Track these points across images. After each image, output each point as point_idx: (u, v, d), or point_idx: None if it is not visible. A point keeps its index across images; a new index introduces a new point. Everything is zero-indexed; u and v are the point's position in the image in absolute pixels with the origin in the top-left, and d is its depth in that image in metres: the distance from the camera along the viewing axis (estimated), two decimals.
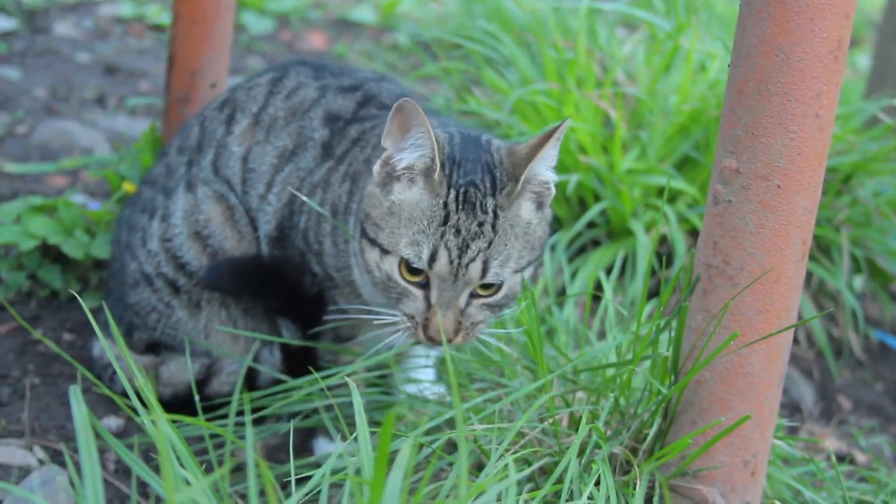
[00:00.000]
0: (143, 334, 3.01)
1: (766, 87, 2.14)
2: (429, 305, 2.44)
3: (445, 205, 2.42)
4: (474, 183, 2.44)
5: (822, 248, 3.93)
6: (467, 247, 2.40)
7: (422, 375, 2.96)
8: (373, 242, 2.48)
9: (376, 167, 2.49)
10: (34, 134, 4.68)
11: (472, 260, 2.40)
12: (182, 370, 2.92)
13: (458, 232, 2.40)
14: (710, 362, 2.26)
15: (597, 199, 3.89)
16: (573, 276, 3.69)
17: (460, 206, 2.41)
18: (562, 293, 3.57)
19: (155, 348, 3.02)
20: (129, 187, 3.53)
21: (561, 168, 3.87)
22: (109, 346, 2.42)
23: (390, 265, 2.45)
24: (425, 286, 2.44)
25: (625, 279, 3.73)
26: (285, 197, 2.82)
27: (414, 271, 2.43)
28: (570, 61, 3.99)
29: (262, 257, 2.87)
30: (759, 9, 2.13)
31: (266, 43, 6.54)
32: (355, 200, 2.67)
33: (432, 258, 2.40)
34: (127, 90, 5.44)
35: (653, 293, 3.73)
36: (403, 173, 2.45)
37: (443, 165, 2.43)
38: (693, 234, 3.80)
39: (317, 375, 2.51)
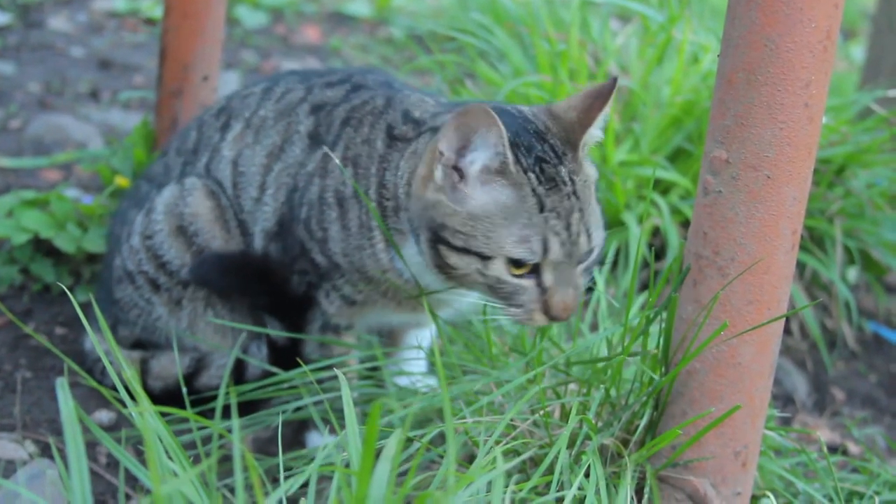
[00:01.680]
0: (127, 331, 3.02)
1: (756, 77, 2.13)
2: (543, 290, 2.42)
3: (534, 191, 2.38)
4: (542, 158, 2.41)
5: (815, 240, 3.93)
6: (569, 224, 2.39)
7: (413, 368, 2.96)
8: (463, 251, 2.43)
9: (438, 174, 2.43)
10: (28, 128, 4.67)
11: (579, 234, 2.41)
12: (172, 364, 2.92)
13: (558, 214, 2.38)
14: (700, 353, 2.26)
15: None
16: None
17: (546, 187, 2.39)
18: None
19: (139, 345, 3.02)
20: (121, 181, 3.53)
21: None
22: (99, 341, 2.41)
23: (497, 268, 2.41)
24: (535, 273, 2.42)
25: (618, 271, 3.73)
26: (282, 195, 2.81)
27: (521, 265, 2.40)
28: (563, 53, 3.99)
29: (249, 254, 2.87)
30: None
31: (260, 37, 6.53)
32: (365, 185, 2.65)
33: (545, 249, 2.38)
34: (121, 84, 5.43)
35: (647, 285, 3.72)
36: (481, 173, 2.40)
37: (515, 156, 2.39)
38: (686, 225, 3.80)
39: (306, 368, 2.51)
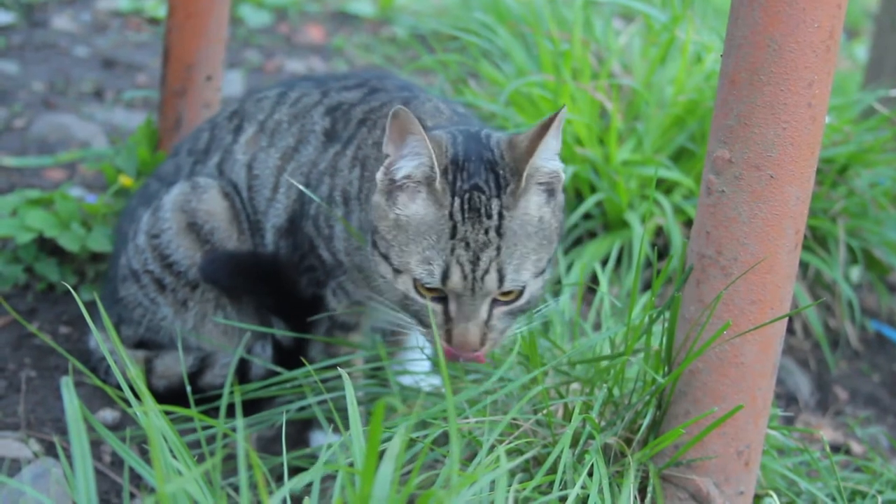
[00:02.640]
0: (130, 330, 3.02)
1: (759, 77, 2.14)
2: (448, 318, 2.36)
3: (451, 215, 2.33)
4: (478, 186, 2.35)
5: (818, 239, 3.93)
6: (478, 259, 2.31)
7: (417, 367, 2.97)
8: (385, 258, 2.41)
9: (379, 174, 2.41)
10: (32, 127, 4.69)
11: (486, 272, 2.32)
12: (177, 363, 2.93)
13: (467, 245, 2.31)
14: (703, 352, 2.26)
15: (593, 190, 3.89)
16: (569, 267, 3.69)
17: (466, 215, 2.33)
18: (557, 284, 3.57)
19: (143, 345, 3.02)
20: (125, 180, 3.54)
21: None
22: (103, 339, 2.42)
23: (405, 284, 2.38)
24: (444, 300, 2.36)
25: (621, 270, 3.73)
26: (294, 193, 2.81)
27: (430, 287, 2.36)
28: (566, 53, 3.99)
29: (260, 255, 2.87)
30: None
31: (264, 36, 6.54)
32: (369, 188, 2.63)
33: (445, 275, 2.32)
34: (125, 83, 5.44)
35: (649, 285, 3.73)
36: (404, 182, 2.37)
37: (444, 172, 2.35)
38: (689, 225, 3.80)
39: (310, 368, 2.51)
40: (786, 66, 2.12)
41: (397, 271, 2.38)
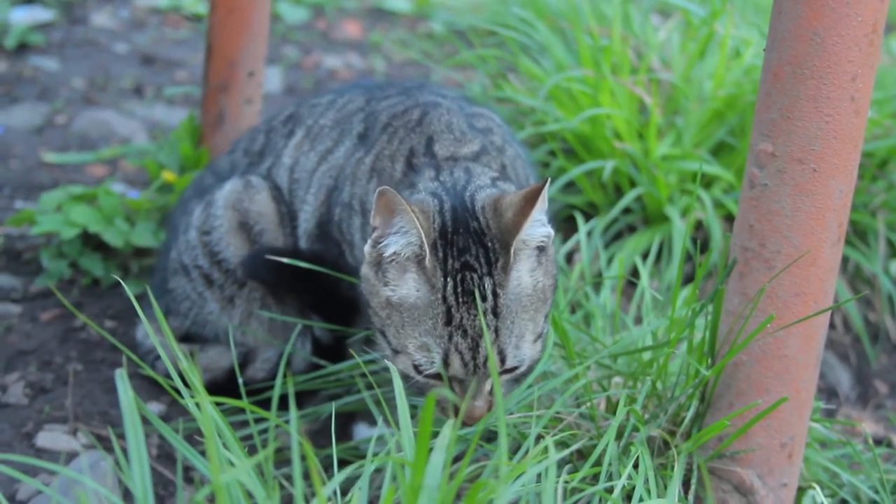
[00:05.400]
0: (177, 322, 3.06)
1: (802, 70, 2.15)
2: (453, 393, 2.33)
3: (444, 299, 2.27)
4: (469, 264, 2.28)
5: (858, 233, 3.93)
6: (477, 346, 2.27)
7: None
8: (382, 335, 2.37)
9: (367, 247, 2.36)
10: (73, 124, 4.72)
11: (488, 357, 2.27)
12: (220, 356, 2.97)
13: (464, 332, 2.26)
14: (746, 345, 2.28)
15: (632, 185, 3.89)
16: (609, 261, 3.70)
17: (460, 299, 2.27)
18: (598, 277, 3.58)
19: (187, 338, 3.06)
20: (168, 176, 3.57)
21: (596, 154, 3.89)
22: (154, 331, 2.44)
23: (404, 364, 2.32)
24: (447, 377, 2.33)
25: (661, 265, 3.74)
26: (322, 195, 2.82)
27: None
28: (605, 48, 4.00)
29: (301, 251, 2.88)
30: None
31: (301, 32, 6.56)
32: None
33: (445, 363, 2.28)
34: (164, 80, 5.48)
35: (689, 278, 3.73)
36: (393, 259, 2.31)
37: (434, 247, 2.30)
38: (729, 219, 3.81)
39: (359, 360, 2.50)
40: (829, 60, 2.13)
41: (396, 351, 2.35)
